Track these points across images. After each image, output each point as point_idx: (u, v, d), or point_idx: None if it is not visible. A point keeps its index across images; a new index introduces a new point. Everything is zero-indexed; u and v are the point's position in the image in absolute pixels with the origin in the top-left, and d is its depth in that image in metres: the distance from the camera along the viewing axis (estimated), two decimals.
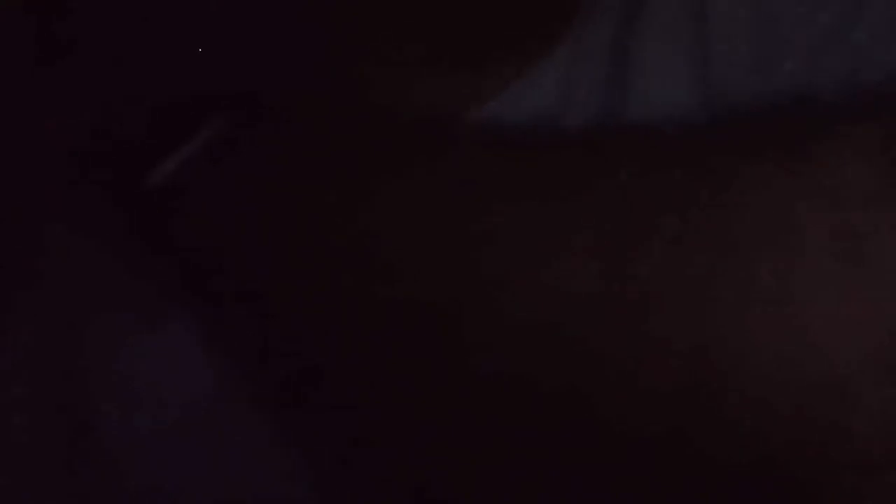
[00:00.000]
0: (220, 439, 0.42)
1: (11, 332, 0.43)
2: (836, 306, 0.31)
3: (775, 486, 0.32)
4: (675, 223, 0.33)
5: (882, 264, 0.31)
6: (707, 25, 0.46)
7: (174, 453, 0.42)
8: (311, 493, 0.42)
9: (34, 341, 0.42)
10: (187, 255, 0.40)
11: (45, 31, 0.45)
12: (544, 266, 0.34)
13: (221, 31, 0.44)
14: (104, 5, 0.44)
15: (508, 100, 0.45)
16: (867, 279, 0.31)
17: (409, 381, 0.37)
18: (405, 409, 0.37)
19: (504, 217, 0.35)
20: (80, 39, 0.44)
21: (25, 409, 0.42)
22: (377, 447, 0.39)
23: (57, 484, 0.42)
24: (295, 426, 0.42)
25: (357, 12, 0.44)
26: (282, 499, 0.42)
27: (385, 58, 0.45)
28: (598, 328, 0.33)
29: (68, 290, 0.43)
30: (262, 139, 0.40)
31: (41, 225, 0.43)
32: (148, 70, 0.44)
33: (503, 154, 0.38)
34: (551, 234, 0.34)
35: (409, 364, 0.36)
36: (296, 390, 0.40)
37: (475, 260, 0.35)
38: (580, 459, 0.34)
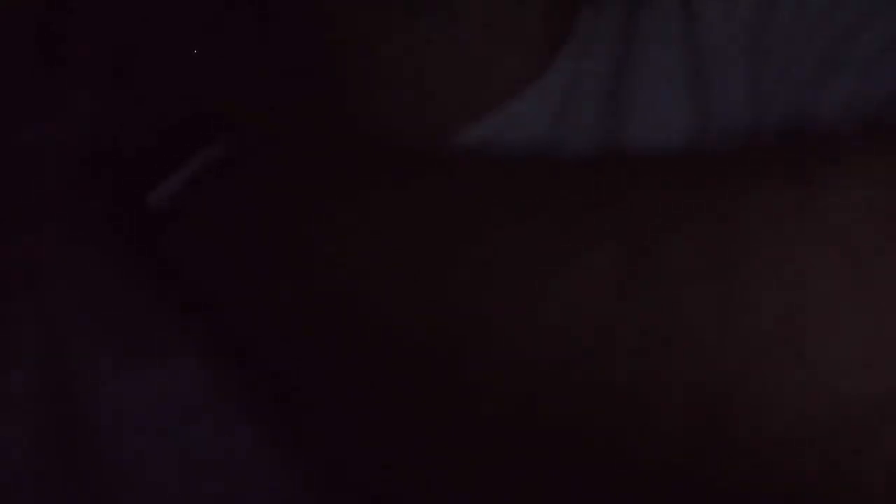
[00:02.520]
0: (218, 442, 0.42)
1: (12, 332, 0.43)
2: (846, 335, 0.31)
3: None
4: (681, 248, 0.33)
5: (891, 291, 0.31)
6: (703, 55, 0.46)
7: (171, 456, 0.42)
8: (310, 496, 0.42)
9: (34, 343, 0.43)
10: (184, 266, 0.40)
11: (46, 34, 0.44)
12: (546, 293, 0.34)
13: (223, 44, 0.44)
14: (108, 9, 0.44)
15: (505, 125, 0.45)
16: (876, 306, 0.31)
17: (409, 396, 0.36)
18: (405, 428, 0.37)
19: (505, 241, 0.35)
20: (83, 44, 0.44)
21: (24, 410, 0.42)
22: (377, 468, 0.39)
23: (55, 486, 0.42)
24: (295, 433, 0.42)
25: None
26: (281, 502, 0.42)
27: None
28: (604, 358, 0.33)
29: (66, 295, 0.43)
30: (261, 159, 0.40)
31: (40, 229, 0.43)
32: (151, 80, 0.43)
33: (502, 177, 0.37)
34: (554, 259, 0.34)
35: (407, 382, 0.36)
36: (296, 402, 0.40)
37: (476, 289, 0.35)
38: (589, 489, 0.34)
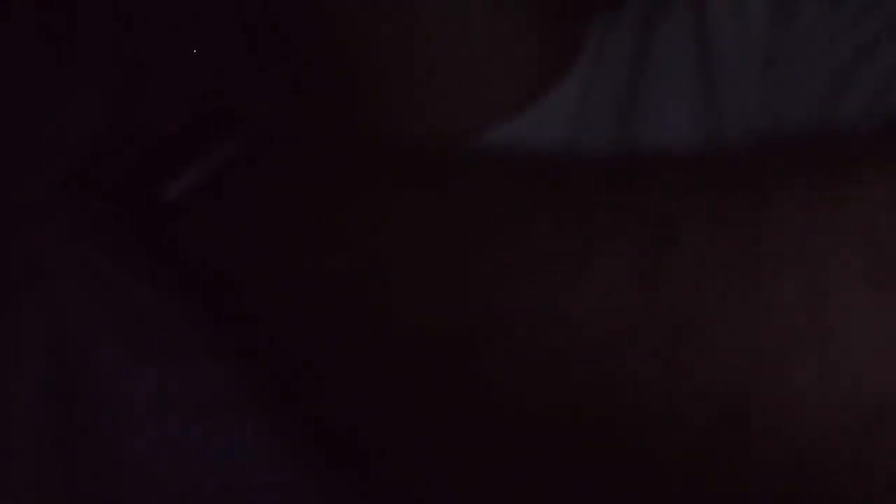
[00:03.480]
0: (226, 440, 0.42)
1: (18, 328, 0.43)
2: (868, 330, 0.30)
3: None
4: (698, 246, 0.32)
5: None
6: (717, 66, 0.46)
7: (178, 453, 0.42)
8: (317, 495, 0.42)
9: (40, 340, 0.42)
10: (193, 264, 0.40)
11: (54, 33, 0.44)
12: (564, 293, 0.33)
13: (229, 43, 0.44)
14: (115, 8, 0.44)
15: (520, 129, 0.45)
16: None
17: (422, 407, 0.36)
18: (416, 425, 0.37)
19: (521, 242, 0.35)
20: (90, 42, 0.44)
21: (29, 407, 0.42)
22: (388, 475, 0.39)
23: (59, 483, 0.42)
24: (304, 430, 0.41)
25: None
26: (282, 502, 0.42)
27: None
28: (620, 355, 0.32)
29: (73, 292, 0.43)
30: (272, 157, 0.40)
31: (46, 226, 0.43)
32: (158, 79, 0.43)
33: (519, 179, 0.37)
34: (570, 260, 0.34)
35: (421, 390, 0.36)
36: (305, 399, 0.40)
37: (491, 286, 0.34)
38: (605, 488, 0.34)
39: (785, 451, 0.31)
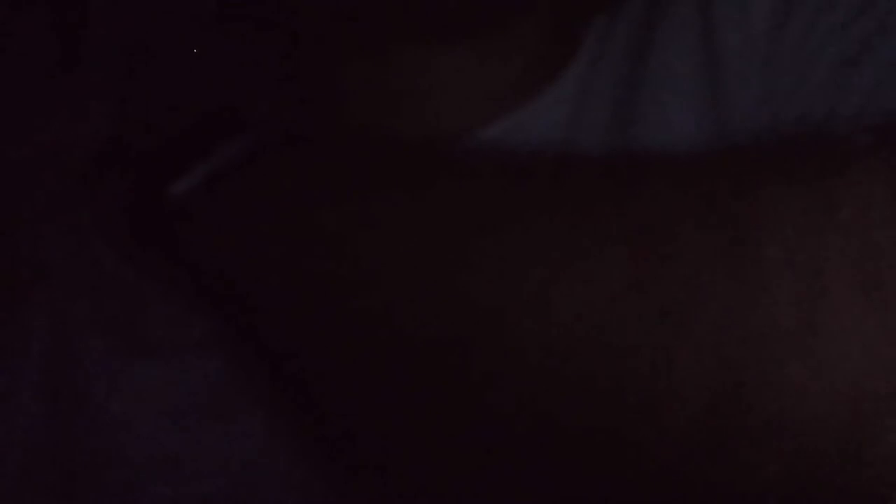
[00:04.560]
0: (228, 438, 0.42)
1: (21, 326, 0.43)
2: (860, 330, 0.30)
3: None
4: (693, 244, 0.32)
5: None
6: (718, 63, 0.46)
7: (180, 451, 0.42)
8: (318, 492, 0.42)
9: (42, 337, 0.43)
10: (198, 262, 0.40)
11: (63, 36, 0.45)
12: (559, 291, 0.33)
13: (233, 44, 0.44)
14: (122, 10, 0.44)
15: (517, 128, 0.45)
16: (890, 301, 0.30)
17: (418, 405, 0.36)
18: (412, 423, 0.37)
19: (517, 241, 0.35)
20: (99, 45, 0.44)
21: (29, 405, 0.42)
22: (386, 475, 0.39)
23: (58, 482, 0.42)
24: (305, 427, 0.42)
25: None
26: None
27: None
28: (615, 354, 0.32)
29: (77, 289, 0.43)
30: (277, 156, 0.40)
31: (52, 225, 0.43)
32: (165, 79, 0.44)
33: (515, 177, 0.37)
34: (566, 259, 0.34)
35: (418, 389, 0.36)
36: (307, 397, 0.40)
37: (486, 285, 0.35)
38: (595, 486, 0.34)
39: (781, 449, 0.31)
